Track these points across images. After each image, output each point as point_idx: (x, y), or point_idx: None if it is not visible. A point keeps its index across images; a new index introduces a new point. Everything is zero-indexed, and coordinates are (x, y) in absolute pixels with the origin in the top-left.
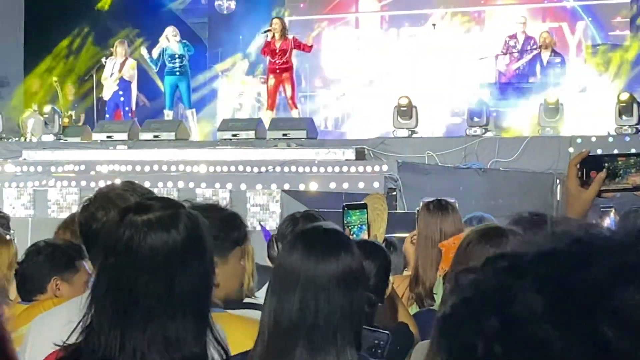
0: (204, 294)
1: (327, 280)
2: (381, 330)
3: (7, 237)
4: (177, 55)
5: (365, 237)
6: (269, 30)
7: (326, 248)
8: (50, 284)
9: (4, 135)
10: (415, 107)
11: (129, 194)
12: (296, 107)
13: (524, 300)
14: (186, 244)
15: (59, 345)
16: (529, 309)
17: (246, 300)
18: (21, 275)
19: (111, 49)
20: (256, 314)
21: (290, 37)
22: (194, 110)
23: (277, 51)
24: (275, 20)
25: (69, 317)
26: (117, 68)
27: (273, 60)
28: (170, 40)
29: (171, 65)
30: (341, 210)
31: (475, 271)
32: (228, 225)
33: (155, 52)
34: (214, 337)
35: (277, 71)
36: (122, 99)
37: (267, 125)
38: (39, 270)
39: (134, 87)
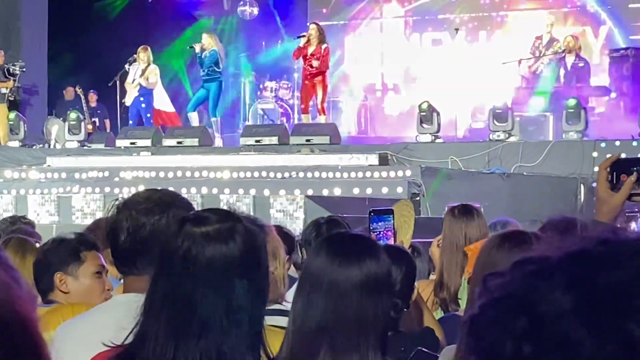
0: (259, 308)
1: (350, 286)
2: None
3: (37, 244)
4: (202, 63)
5: (391, 242)
6: (304, 36)
7: (350, 254)
8: (55, 280)
9: (28, 142)
10: (438, 112)
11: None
12: (324, 113)
13: (552, 300)
14: (243, 257)
15: (108, 346)
16: (558, 308)
17: (275, 306)
18: (34, 274)
19: (134, 55)
20: (285, 321)
21: (323, 46)
22: (218, 119)
23: (309, 56)
24: (312, 26)
25: (93, 326)
26: (139, 74)
27: (305, 66)
28: (201, 47)
29: (201, 72)
30: (364, 215)
31: (503, 275)
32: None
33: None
34: (265, 354)
35: (309, 76)
36: (143, 105)
37: None
38: (44, 268)
39: (155, 93)
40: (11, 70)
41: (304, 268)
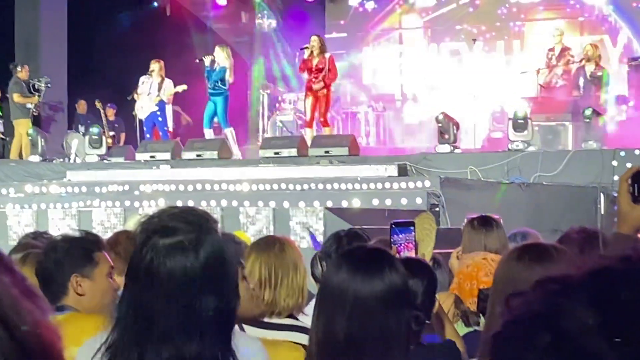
0: (223, 318)
1: (374, 299)
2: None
3: None
4: (210, 76)
5: (412, 255)
6: (307, 48)
7: (371, 267)
8: (71, 282)
9: (48, 157)
10: (456, 122)
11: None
12: (328, 125)
13: (575, 316)
14: (205, 270)
15: None
16: (581, 324)
17: (291, 322)
18: (42, 277)
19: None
20: (302, 338)
21: (327, 55)
22: (232, 129)
23: (314, 69)
24: (314, 38)
25: None
26: (155, 88)
27: (309, 78)
28: (212, 60)
29: (208, 86)
30: (384, 226)
31: (525, 294)
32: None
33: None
34: None
35: (314, 89)
36: (160, 119)
37: (308, 142)
38: (58, 269)
39: (169, 107)
40: (36, 85)
41: (323, 283)
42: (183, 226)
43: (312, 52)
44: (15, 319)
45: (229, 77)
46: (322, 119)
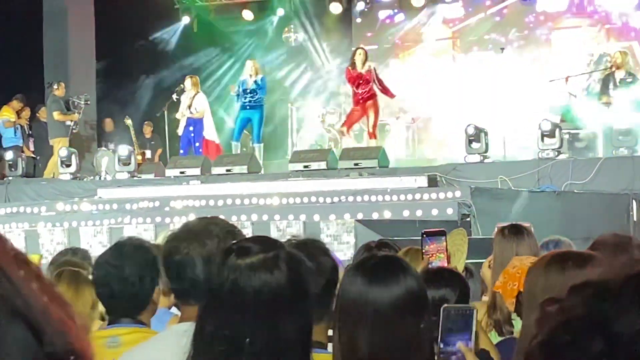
0: (306, 335)
1: (393, 306)
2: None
3: (90, 276)
4: (248, 90)
5: (444, 264)
6: (353, 62)
7: (387, 274)
8: (153, 296)
9: (79, 175)
10: (486, 132)
11: (212, 226)
12: (375, 137)
13: (625, 321)
14: (289, 285)
15: None
16: (633, 328)
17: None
18: (123, 289)
19: (182, 85)
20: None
21: (372, 66)
22: (262, 145)
23: (361, 81)
24: (359, 50)
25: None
26: (187, 103)
27: (356, 91)
28: (246, 73)
29: (244, 99)
30: (414, 237)
31: (560, 300)
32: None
33: (234, 87)
34: None
35: (361, 101)
36: (192, 134)
37: (340, 149)
38: (141, 281)
39: (205, 121)
40: (76, 103)
41: (339, 298)
42: (255, 244)
43: (354, 63)
44: (45, 327)
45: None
46: (371, 130)
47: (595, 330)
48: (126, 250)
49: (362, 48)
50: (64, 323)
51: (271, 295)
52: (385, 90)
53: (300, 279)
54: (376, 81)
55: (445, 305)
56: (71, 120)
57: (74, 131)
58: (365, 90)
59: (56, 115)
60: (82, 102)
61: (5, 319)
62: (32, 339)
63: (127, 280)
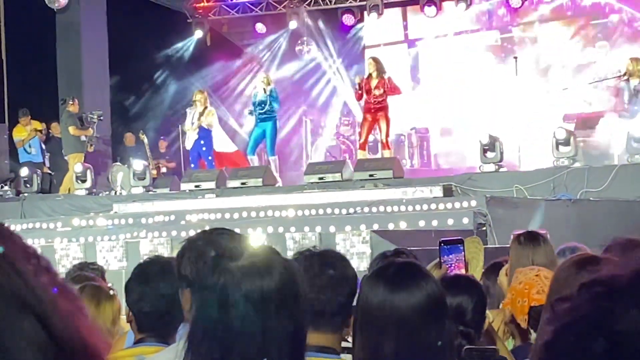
0: (297, 339)
1: (415, 312)
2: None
3: (111, 291)
4: (258, 102)
5: (463, 272)
6: (362, 79)
7: (408, 280)
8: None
9: (94, 190)
10: (500, 141)
11: (222, 237)
12: (389, 148)
13: (629, 318)
14: (280, 290)
15: None
16: (636, 326)
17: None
18: (158, 309)
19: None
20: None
21: (386, 77)
22: (276, 157)
23: (373, 89)
24: (370, 60)
25: None
26: (197, 117)
27: (368, 100)
28: (257, 87)
29: (256, 112)
30: (431, 247)
31: (570, 299)
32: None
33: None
34: None
35: (373, 110)
36: (203, 148)
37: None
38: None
39: (214, 134)
40: (89, 118)
41: (361, 306)
42: (249, 249)
43: (370, 75)
44: (54, 321)
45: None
46: (384, 141)
47: (599, 331)
48: (155, 270)
49: (373, 58)
50: (75, 317)
51: (260, 299)
52: (394, 90)
53: (291, 285)
54: (389, 90)
55: (467, 347)
56: (86, 136)
57: (91, 147)
58: (378, 100)
59: (72, 130)
60: (95, 118)
61: (14, 312)
62: (42, 333)
63: (159, 301)
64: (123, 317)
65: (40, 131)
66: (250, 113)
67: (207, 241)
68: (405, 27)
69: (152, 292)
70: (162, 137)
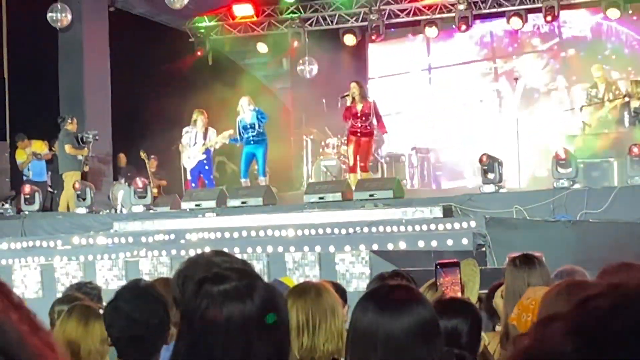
0: None
1: (405, 335)
2: None
3: (100, 310)
4: (249, 125)
5: (459, 296)
6: (347, 95)
7: (398, 303)
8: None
9: (94, 208)
10: (500, 162)
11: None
12: (367, 171)
13: (553, 342)
14: (261, 314)
15: None
16: (559, 351)
17: None
18: (131, 336)
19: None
20: None
21: (371, 100)
22: (266, 178)
23: (359, 114)
24: (353, 84)
25: None
26: (201, 137)
27: (355, 124)
28: (245, 110)
29: (246, 135)
30: (430, 268)
31: (530, 335)
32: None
33: (232, 133)
34: None
35: (358, 134)
36: (206, 167)
37: (352, 187)
38: (150, 325)
39: (214, 155)
40: (84, 138)
41: (352, 327)
42: (232, 273)
43: (353, 98)
44: (20, 356)
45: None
46: (362, 164)
47: (531, 357)
48: (127, 296)
49: (355, 82)
50: (41, 353)
51: (242, 323)
52: (381, 126)
53: (273, 310)
54: (375, 115)
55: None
56: (82, 155)
57: (86, 166)
58: (365, 125)
59: (68, 148)
60: (91, 137)
61: None
62: None
63: (133, 325)
64: None
65: (39, 154)
66: (235, 140)
67: (196, 264)
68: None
69: (121, 318)
70: (152, 156)
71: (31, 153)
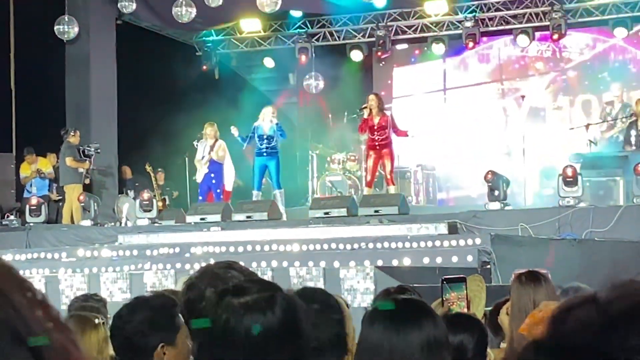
0: None
1: (412, 352)
2: None
3: (96, 320)
4: (265, 136)
5: (465, 312)
6: (365, 108)
7: (407, 318)
8: (157, 351)
9: (99, 221)
10: (506, 179)
11: (236, 272)
12: (393, 184)
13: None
14: (282, 327)
15: None
16: None
17: None
18: (121, 345)
19: (202, 132)
20: None
21: (388, 113)
22: (282, 191)
23: (376, 127)
24: (372, 97)
25: None
26: (207, 150)
27: (372, 137)
28: (265, 120)
29: (260, 145)
30: (435, 284)
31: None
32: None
33: (235, 129)
34: None
35: (377, 147)
36: (213, 181)
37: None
38: (142, 338)
39: (225, 168)
40: (86, 151)
41: (360, 342)
42: (253, 285)
43: (371, 111)
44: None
45: (279, 137)
46: (388, 177)
47: None
48: (132, 306)
49: (374, 94)
50: (67, 350)
51: (263, 335)
52: (400, 133)
53: (294, 321)
54: (392, 127)
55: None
56: (83, 168)
57: (87, 179)
58: (382, 137)
59: (69, 161)
60: (93, 150)
61: (8, 344)
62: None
63: (131, 337)
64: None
65: (43, 173)
66: (243, 139)
67: (213, 275)
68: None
69: (124, 328)
70: (159, 169)
71: (36, 170)
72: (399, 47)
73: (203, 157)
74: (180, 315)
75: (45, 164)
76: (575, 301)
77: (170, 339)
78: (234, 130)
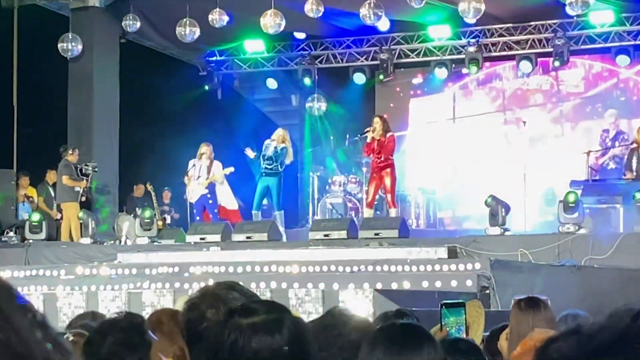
0: None
1: None
2: None
3: (70, 338)
4: (267, 157)
5: (463, 336)
6: (368, 131)
7: (408, 343)
8: None
9: (98, 239)
10: (506, 204)
11: (237, 293)
12: (395, 206)
13: None
14: (290, 348)
15: None
16: None
17: None
18: None
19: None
20: None
21: (388, 135)
22: (282, 212)
23: (379, 149)
24: (376, 119)
25: None
26: (205, 171)
27: (375, 159)
28: (273, 140)
29: (264, 165)
30: (433, 308)
31: None
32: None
33: (250, 151)
34: None
35: (378, 169)
36: (210, 201)
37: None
38: (119, 357)
39: (219, 188)
40: (84, 170)
41: None
42: (260, 306)
43: (375, 132)
44: None
45: (287, 159)
46: (389, 199)
47: None
48: (102, 330)
49: (379, 116)
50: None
51: (270, 356)
52: (390, 165)
53: (301, 344)
54: (387, 146)
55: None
56: (80, 187)
57: (83, 199)
58: (382, 159)
59: (65, 179)
60: (90, 169)
61: None
62: None
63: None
64: None
65: (31, 198)
66: (257, 157)
67: (214, 296)
68: (415, 89)
69: (98, 350)
70: (166, 188)
71: (24, 195)
72: (403, 70)
73: (199, 177)
74: (149, 331)
75: (34, 193)
76: (561, 333)
77: (146, 356)
78: (249, 152)
